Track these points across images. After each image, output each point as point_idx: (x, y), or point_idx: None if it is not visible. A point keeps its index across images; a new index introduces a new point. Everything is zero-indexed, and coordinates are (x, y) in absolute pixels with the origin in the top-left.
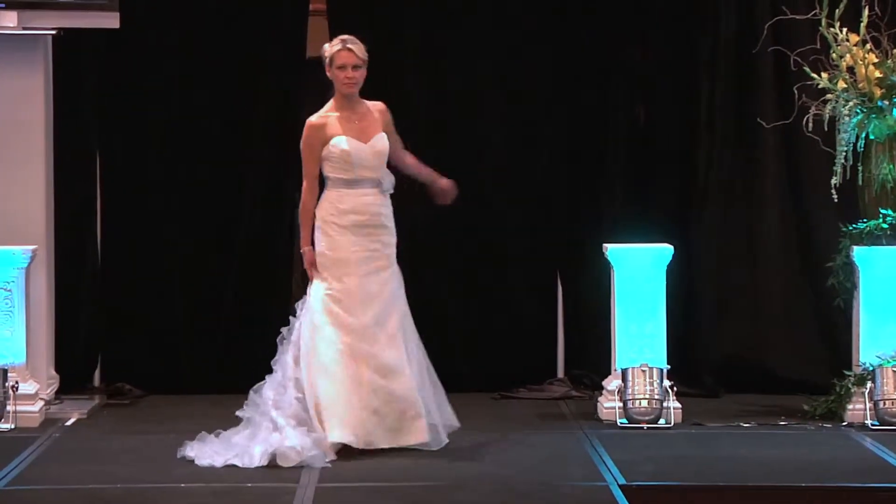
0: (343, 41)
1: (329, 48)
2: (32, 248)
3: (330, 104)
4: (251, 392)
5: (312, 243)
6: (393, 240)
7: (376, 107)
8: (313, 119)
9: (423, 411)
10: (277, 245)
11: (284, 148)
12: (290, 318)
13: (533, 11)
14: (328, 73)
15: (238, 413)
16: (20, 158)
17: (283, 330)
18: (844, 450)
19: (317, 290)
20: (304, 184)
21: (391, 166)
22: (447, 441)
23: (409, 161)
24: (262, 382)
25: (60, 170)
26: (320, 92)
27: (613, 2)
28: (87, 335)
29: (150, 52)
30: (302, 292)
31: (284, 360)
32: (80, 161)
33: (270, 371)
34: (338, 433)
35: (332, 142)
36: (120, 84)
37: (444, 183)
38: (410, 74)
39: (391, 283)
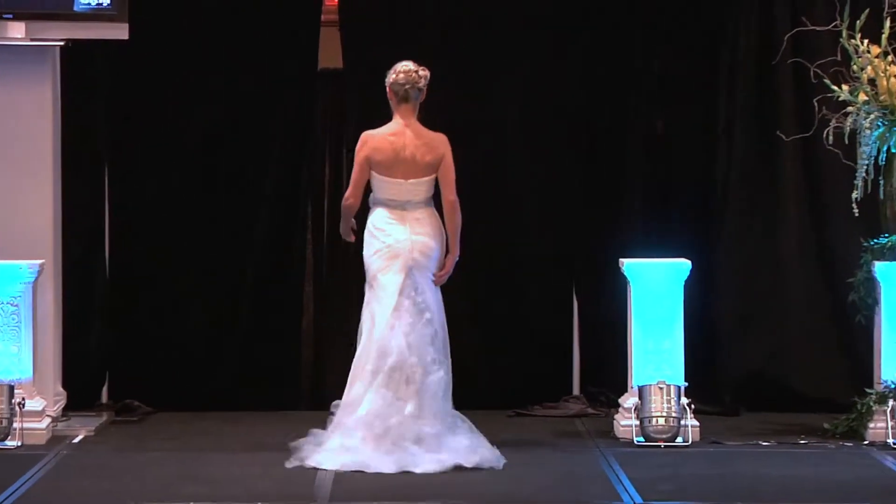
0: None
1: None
2: (40, 263)
3: None
4: None
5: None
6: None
7: None
8: None
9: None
10: (293, 260)
11: (298, 161)
12: None
13: (552, 22)
14: None
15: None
16: (28, 171)
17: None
18: (865, 469)
19: None
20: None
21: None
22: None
23: None
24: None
25: (69, 182)
26: (332, 104)
27: (632, 13)
28: (96, 351)
29: (161, 63)
30: (314, 306)
31: None
32: (89, 173)
33: (282, 387)
34: None
35: None
36: (130, 96)
37: None
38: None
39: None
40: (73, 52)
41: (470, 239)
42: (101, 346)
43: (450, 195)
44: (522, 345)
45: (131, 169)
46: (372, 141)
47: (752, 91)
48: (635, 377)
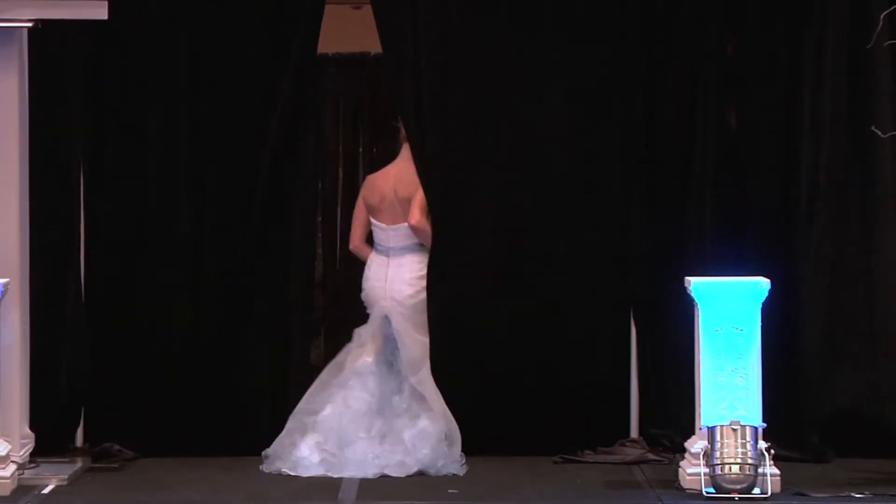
0: None
1: None
2: (3, 282)
3: None
4: None
5: None
6: None
7: None
8: None
9: None
10: (294, 281)
11: (302, 160)
12: None
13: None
14: None
15: None
16: None
17: None
18: None
19: None
20: None
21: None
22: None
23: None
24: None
25: (38, 186)
26: (335, 95)
27: None
28: (69, 386)
29: (145, 48)
30: (325, 333)
31: None
32: (62, 176)
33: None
34: None
35: None
36: (109, 86)
37: None
38: (459, 75)
39: None
40: (44, 35)
41: (507, 257)
42: (76, 380)
43: (411, 220)
44: (570, 379)
45: (110, 172)
46: (368, 180)
47: (842, 79)
48: (704, 417)
